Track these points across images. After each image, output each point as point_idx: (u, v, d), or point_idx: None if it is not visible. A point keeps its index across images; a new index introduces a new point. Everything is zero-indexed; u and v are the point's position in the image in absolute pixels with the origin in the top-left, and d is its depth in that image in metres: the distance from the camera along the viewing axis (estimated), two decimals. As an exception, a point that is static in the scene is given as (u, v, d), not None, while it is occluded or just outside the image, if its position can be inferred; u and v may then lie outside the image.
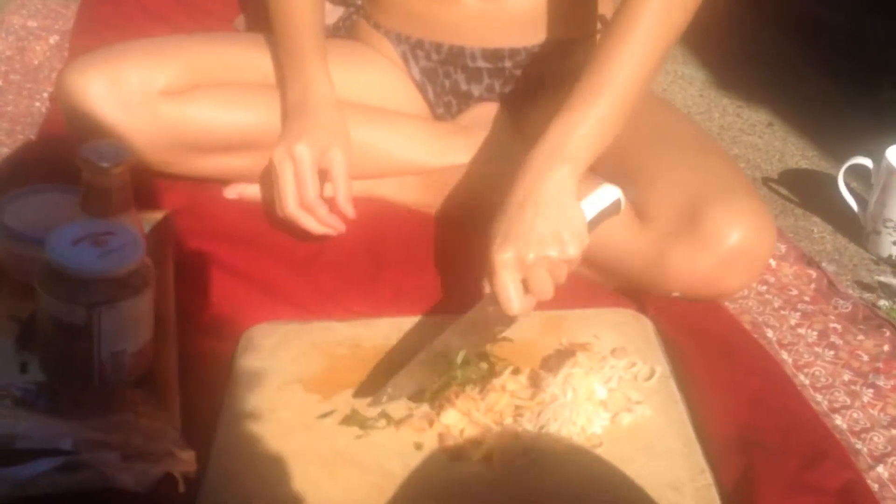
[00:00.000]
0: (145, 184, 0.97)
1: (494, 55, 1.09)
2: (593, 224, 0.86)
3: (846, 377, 0.91)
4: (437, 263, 1.01)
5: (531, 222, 0.83)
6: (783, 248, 1.12)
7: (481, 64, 1.09)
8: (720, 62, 1.67)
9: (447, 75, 1.11)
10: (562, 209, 0.83)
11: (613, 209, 0.87)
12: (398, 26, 1.11)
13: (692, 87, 1.61)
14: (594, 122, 0.86)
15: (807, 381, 0.91)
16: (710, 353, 0.86)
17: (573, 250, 0.83)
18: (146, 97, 0.97)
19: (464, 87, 1.11)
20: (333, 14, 1.20)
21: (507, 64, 1.10)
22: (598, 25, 1.13)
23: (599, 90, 0.87)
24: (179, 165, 1.02)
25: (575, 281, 0.97)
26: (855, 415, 0.87)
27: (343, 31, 1.19)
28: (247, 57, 1.05)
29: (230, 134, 1.01)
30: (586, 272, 0.96)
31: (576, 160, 0.86)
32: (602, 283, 0.97)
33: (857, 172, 1.23)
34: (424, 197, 1.09)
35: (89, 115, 0.97)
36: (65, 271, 0.73)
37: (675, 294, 0.91)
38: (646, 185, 0.93)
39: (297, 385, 0.82)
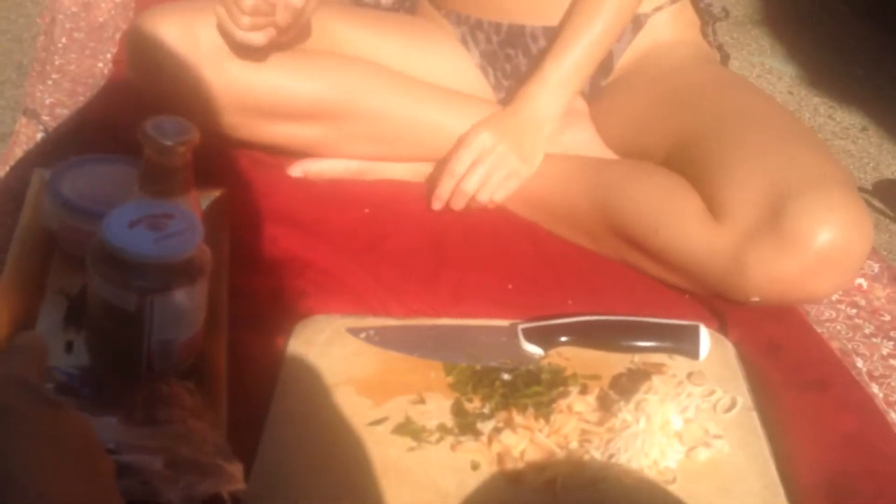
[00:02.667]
0: (203, 158, 0.93)
1: (555, 33, 1.01)
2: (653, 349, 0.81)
3: (943, 419, 0.84)
4: (500, 262, 0.95)
5: (509, 125, 0.98)
6: (876, 267, 1.04)
7: (543, 44, 1.03)
8: (812, 56, 1.58)
9: (508, 59, 1.05)
10: (530, 132, 0.98)
11: (689, 350, 0.81)
12: (457, 6, 1.06)
13: (781, 82, 1.52)
14: (582, 49, 0.98)
15: (899, 421, 0.84)
16: (799, 384, 0.79)
17: (524, 170, 0.98)
18: (217, 54, 0.93)
19: (525, 71, 1.05)
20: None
21: None
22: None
23: (591, 17, 0.97)
24: (244, 130, 0.98)
25: (651, 288, 0.92)
26: (952, 463, 0.79)
27: (402, 12, 1.13)
28: (322, 24, 1.00)
29: (299, 103, 0.97)
30: (659, 271, 0.90)
31: (562, 88, 0.98)
32: (678, 284, 0.90)
33: (962, 189, 1.14)
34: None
35: (158, 67, 0.94)
36: (119, 255, 0.69)
37: (755, 299, 0.84)
38: (724, 177, 0.85)
39: (349, 387, 0.77)
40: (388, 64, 1.01)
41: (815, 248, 0.79)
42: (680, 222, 0.87)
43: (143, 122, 0.76)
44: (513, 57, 1.05)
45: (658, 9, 1.03)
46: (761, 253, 0.81)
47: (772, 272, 0.81)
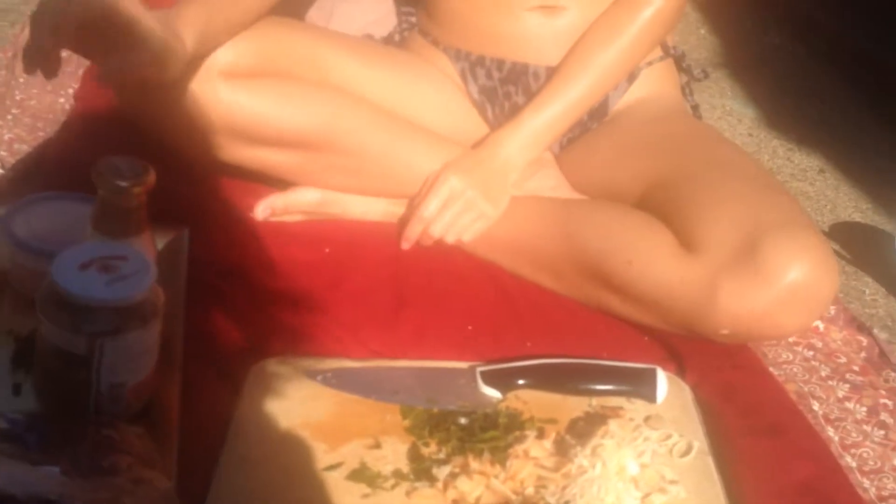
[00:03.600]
0: (164, 196, 0.92)
1: None
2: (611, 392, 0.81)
3: (897, 462, 0.85)
4: (460, 303, 0.95)
5: (476, 169, 1.00)
6: (832, 309, 1.04)
7: (545, 84, 1.04)
8: (770, 99, 1.61)
9: (507, 96, 1.06)
10: (497, 178, 1.00)
11: (646, 393, 0.81)
12: (458, 42, 1.07)
13: (741, 124, 1.54)
14: (561, 107, 1.00)
15: (854, 464, 0.84)
16: (755, 429, 0.80)
17: (492, 212, 1.00)
18: (206, 75, 0.91)
19: None
20: (385, 27, 1.15)
21: None
22: (660, 53, 1.07)
23: (573, 79, 1.01)
24: (223, 150, 0.96)
25: (610, 330, 0.92)
26: (906, 507, 0.80)
27: (392, 46, 1.14)
28: (314, 49, 1.00)
29: (282, 130, 0.96)
30: (626, 308, 0.90)
31: (534, 141, 1.01)
32: (643, 320, 0.91)
33: (916, 232, 1.16)
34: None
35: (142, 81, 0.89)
36: (68, 298, 0.68)
37: (724, 331, 0.85)
38: (697, 214, 0.87)
39: (304, 431, 0.76)
40: (378, 98, 1.02)
41: (787, 282, 0.80)
42: (653, 254, 0.88)
43: (97, 161, 0.75)
44: (512, 95, 1.06)
45: (650, 63, 1.07)
46: (734, 284, 0.82)
47: (743, 304, 0.82)
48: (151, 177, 0.76)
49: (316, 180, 1.02)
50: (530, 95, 1.05)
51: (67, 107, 1.21)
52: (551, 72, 1.04)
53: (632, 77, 1.06)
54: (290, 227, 1.03)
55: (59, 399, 0.72)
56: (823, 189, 1.40)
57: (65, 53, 1.33)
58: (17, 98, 1.21)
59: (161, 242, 0.89)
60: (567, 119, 1.02)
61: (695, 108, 1.13)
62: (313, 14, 1.29)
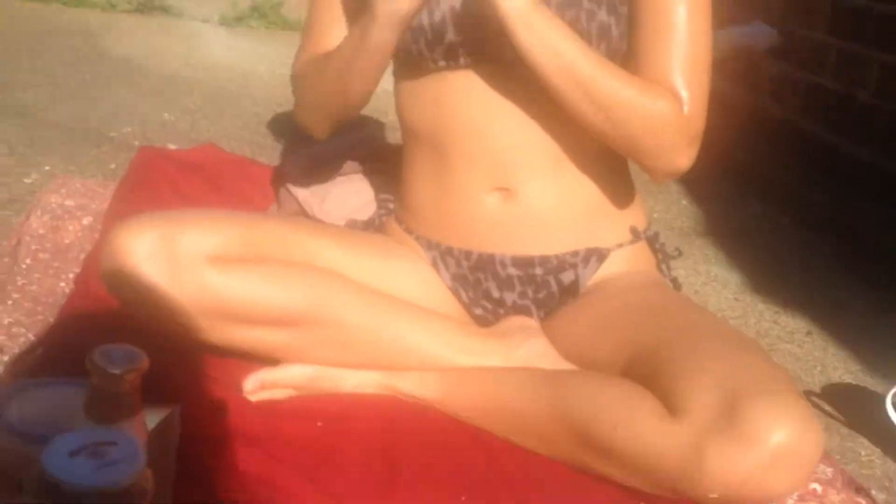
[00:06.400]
0: (156, 373, 0.93)
1: (525, 262, 1.08)
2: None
3: None
4: (453, 475, 0.94)
5: None
6: (829, 471, 1.04)
7: (512, 271, 1.08)
8: (753, 264, 1.66)
9: (478, 283, 1.10)
10: None
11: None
12: (427, 233, 1.12)
13: (726, 289, 1.58)
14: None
15: None
16: None
17: None
18: (194, 261, 0.96)
19: (496, 294, 1.10)
20: (365, 212, 1.21)
21: (538, 271, 1.08)
22: (630, 237, 1.12)
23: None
24: (214, 333, 1.00)
25: (604, 491, 0.91)
26: None
27: (373, 230, 1.19)
28: (296, 236, 1.05)
29: (272, 310, 0.99)
30: (617, 472, 0.90)
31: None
32: (633, 484, 0.90)
33: (906, 392, 1.17)
34: (445, 394, 1.05)
35: (133, 272, 0.95)
36: (57, 484, 0.68)
37: (714, 495, 0.84)
38: (678, 378, 0.88)
39: None
40: (360, 279, 1.05)
41: (771, 446, 0.81)
42: (638, 419, 0.88)
43: (91, 350, 0.77)
44: (483, 281, 1.10)
45: (620, 245, 1.11)
46: (719, 448, 0.82)
47: (729, 468, 0.82)
48: (144, 363, 0.78)
49: (307, 356, 1.04)
50: (500, 281, 1.09)
51: (67, 290, 1.24)
52: (517, 260, 1.08)
53: (601, 257, 1.10)
54: (282, 402, 1.03)
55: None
56: (812, 350, 1.41)
57: (67, 240, 1.40)
58: (19, 283, 1.24)
59: (152, 420, 0.89)
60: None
61: (674, 281, 1.16)
62: (308, 197, 1.36)
